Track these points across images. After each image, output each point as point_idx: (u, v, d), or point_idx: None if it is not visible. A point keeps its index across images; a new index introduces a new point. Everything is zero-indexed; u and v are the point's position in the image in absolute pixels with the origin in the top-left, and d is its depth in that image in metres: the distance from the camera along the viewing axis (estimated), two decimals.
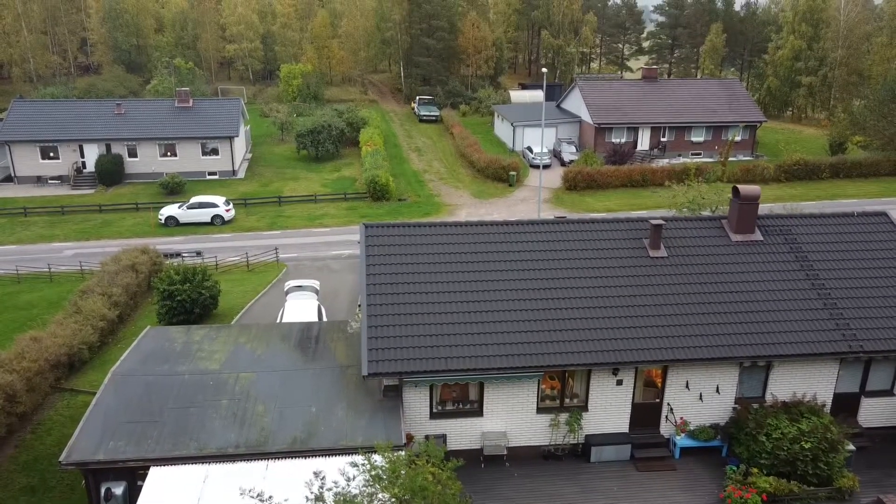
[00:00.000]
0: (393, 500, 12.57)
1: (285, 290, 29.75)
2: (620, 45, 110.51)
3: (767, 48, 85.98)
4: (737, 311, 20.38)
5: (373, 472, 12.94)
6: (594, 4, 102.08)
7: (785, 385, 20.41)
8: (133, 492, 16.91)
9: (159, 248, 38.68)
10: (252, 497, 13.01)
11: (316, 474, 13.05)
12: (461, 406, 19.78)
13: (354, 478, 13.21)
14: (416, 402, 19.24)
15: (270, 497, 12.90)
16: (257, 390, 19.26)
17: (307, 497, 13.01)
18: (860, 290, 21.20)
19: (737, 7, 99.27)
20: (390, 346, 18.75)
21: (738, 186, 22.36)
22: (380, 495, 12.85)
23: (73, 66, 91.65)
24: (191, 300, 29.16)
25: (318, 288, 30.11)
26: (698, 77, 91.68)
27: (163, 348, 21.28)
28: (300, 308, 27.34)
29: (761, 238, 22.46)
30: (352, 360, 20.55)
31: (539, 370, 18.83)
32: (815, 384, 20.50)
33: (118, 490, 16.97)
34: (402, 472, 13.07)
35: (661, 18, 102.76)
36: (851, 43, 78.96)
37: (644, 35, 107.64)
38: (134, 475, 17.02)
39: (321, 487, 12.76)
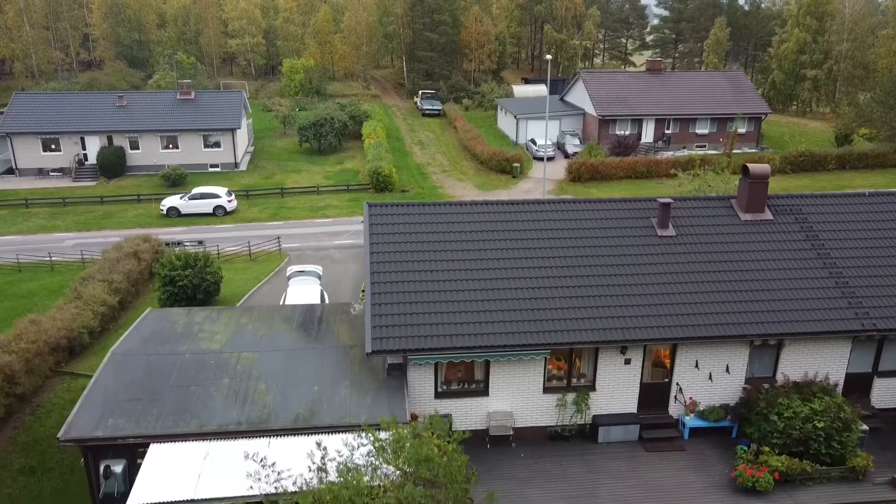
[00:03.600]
0: (397, 471, 12.23)
1: (287, 274, 29.47)
2: (623, 41, 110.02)
3: (771, 42, 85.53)
4: (747, 290, 20.01)
5: (377, 444, 12.60)
6: None
7: (796, 365, 20.03)
8: (133, 470, 16.59)
9: (161, 238, 38.42)
10: (255, 461, 12.69)
11: (318, 444, 12.73)
12: (466, 386, 19.44)
13: (358, 447, 12.88)
14: (421, 382, 18.90)
15: (273, 463, 12.59)
16: (259, 369, 18.94)
17: (309, 467, 12.68)
18: (872, 269, 20.82)
19: (741, 1, 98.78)
20: (394, 324, 18.42)
21: (748, 165, 22.00)
22: (384, 468, 12.51)
23: (75, 62, 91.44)
24: (193, 286, 28.85)
25: (321, 273, 29.79)
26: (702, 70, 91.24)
27: (164, 329, 20.98)
28: (303, 292, 27.03)
29: (771, 217, 22.09)
30: (355, 341, 20.23)
31: (546, 348, 18.47)
32: (827, 364, 20.12)
33: (117, 468, 16.67)
34: (407, 444, 12.74)
35: (665, 13, 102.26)
36: (857, 36, 78.46)
37: (647, 30, 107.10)
38: (133, 453, 16.71)
39: (324, 458, 12.44)
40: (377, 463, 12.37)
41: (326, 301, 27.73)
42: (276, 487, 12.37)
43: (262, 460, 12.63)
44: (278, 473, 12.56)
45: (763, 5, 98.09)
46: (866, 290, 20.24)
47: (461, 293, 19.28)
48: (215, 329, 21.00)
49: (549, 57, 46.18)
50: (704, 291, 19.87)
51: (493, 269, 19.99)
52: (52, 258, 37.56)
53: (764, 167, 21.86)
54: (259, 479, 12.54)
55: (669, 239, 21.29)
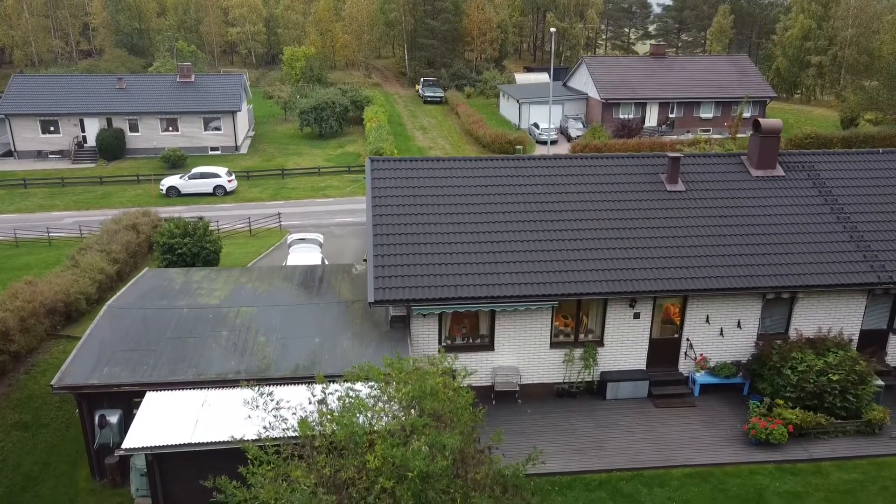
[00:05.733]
0: (402, 403, 11.74)
1: (288, 242, 28.96)
2: (626, 30, 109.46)
3: (775, 30, 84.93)
4: (759, 244, 19.50)
5: (379, 376, 12.11)
6: None
7: (810, 320, 19.53)
8: (128, 420, 16.07)
9: (161, 215, 37.93)
10: (252, 389, 12.22)
11: (318, 380, 12.26)
12: (471, 340, 18.95)
13: (358, 382, 12.37)
14: (425, 334, 18.42)
15: (272, 391, 12.11)
16: (259, 323, 18.46)
17: (309, 399, 12.19)
18: (888, 224, 20.30)
19: None
20: (397, 275, 17.94)
21: (759, 120, 21.49)
22: (386, 402, 12.00)
23: (74, 51, 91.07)
24: (192, 254, 28.31)
25: (322, 242, 29.28)
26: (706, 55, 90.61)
27: (161, 286, 20.50)
28: (304, 257, 26.53)
29: (783, 173, 21.58)
30: (357, 296, 19.73)
31: (552, 299, 17.97)
32: (841, 320, 19.62)
33: (113, 418, 16.20)
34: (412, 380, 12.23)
35: (667, 2, 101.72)
36: (861, 22, 77.83)
37: (650, 18, 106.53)
38: (130, 403, 16.21)
39: (324, 390, 11.95)
40: (378, 393, 11.86)
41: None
42: (274, 415, 11.86)
43: (259, 390, 12.15)
44: (277, 402, 12.06)
45: None
46: (882, 245, 19.73)
47: (466, 244, 18.80)
48: (214, 287, 20.51)
49: (553, 29, 45.55)
50: (715, 245, 19.37)
51: (498, 222, 19.50)
52: (50, 234, 37.09)
53: (776, 122, 21.36)
54: (257, 407, 12.03)
55: (679, 194, 20.79)
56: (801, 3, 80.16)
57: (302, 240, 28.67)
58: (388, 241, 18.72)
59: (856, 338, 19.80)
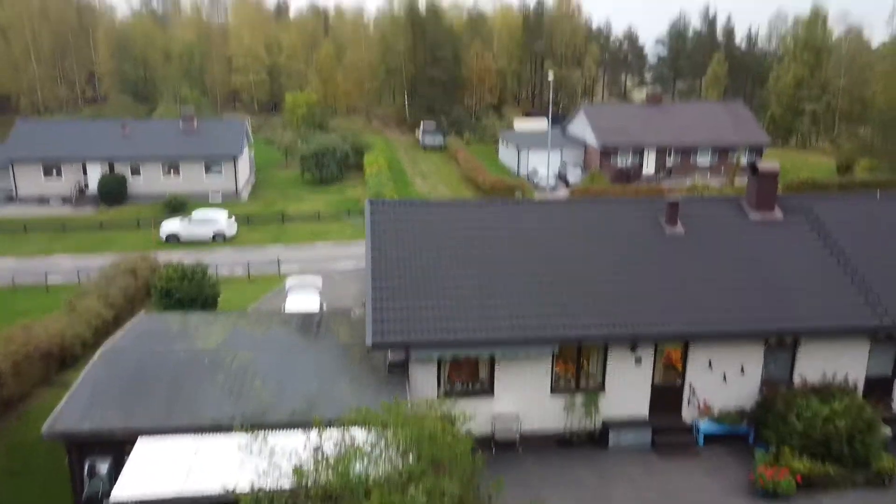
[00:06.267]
0: (400, 448, 11.45)
1: (286, 286, 28.82)
2: (623, 77, 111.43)
3: (769, 78, 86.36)
4: (760, 287, 19.39)
5: (377, 420, 11.85)
6: (596, 37, 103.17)
7: (813, 366, 19.27)
8: (119, 469, 15.66)
9: (160, 259, 37.84)
10: (247, 433, 11.92)
11: (318, 425, 11.99)
12: (471, 386, 18.65)
13: (356, 427, 12.09)
14: (423, 381, 18.12)
15: (267, 438, 11.82)
16: (255, 367, 18.19)
17: (305, 445, 11.89)
18: (889, 268, 20.21)
19: (737, 40, 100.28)
20: (396, 318, 17.77)
21: (757, 163, 21.62)
22: (384, 448, 11.71)
23: (80, 98, 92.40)
24: (190, 299, 28.17)
25: (320, 285, 29.16)
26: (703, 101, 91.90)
27: (157, 329, 20.29)
28: (302, 301, 26.37)
29: (781, 217, 21.60)
30: (356, 340, 19.49)
31: (553, 342, 17.76)
32: (846, 366, 19.35)
33: (103, 467, 15.81)
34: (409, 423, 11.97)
35: (663, 51, 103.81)
36: (853, 71, 79.31)
37: (646, 67, 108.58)
38: (121, 451, 15.79)
39: (321, 436, 11.67)
40: (376, 439, 11.57)
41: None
42: (269, 462, 11.55)
43: (254, 435, 11.86)
44: (272, 448, 11.76)
45: (759, 43, 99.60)
46: (884, 289, 19.60)
47: (466, 288, 18.68)
48: (211, 330, 20.29)
49: (551, 77, 46.27)
50: (716, 289, 19.26)
51: (498, 265, 19.42)
52: (48, 279, 36.95)
53: (773, 164, 21.48)
54: (252, 453, 11.72)
55: (678, 237, 20.77)
56: (793, 52, 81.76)
57: (301, 284, 28.57)
58: (386, 284, 18.60)
59: (861, 384, 19.51)
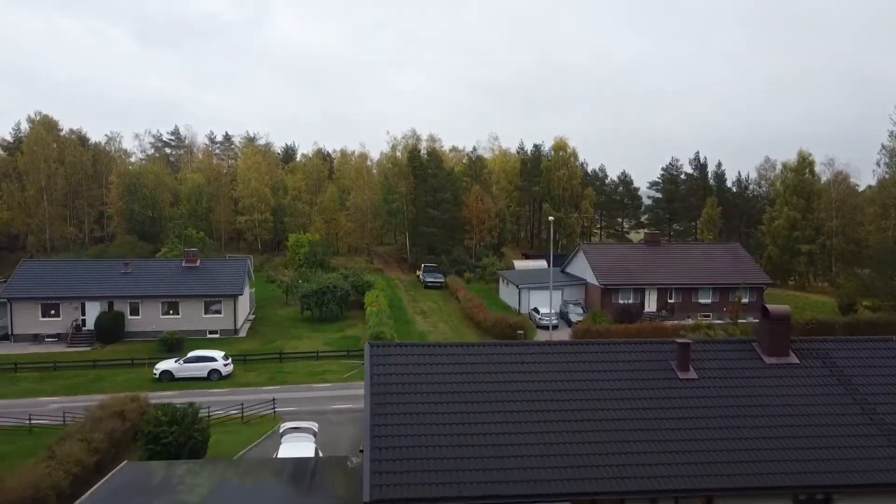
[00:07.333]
0: None
1: (280, 431, 27.43)
2: (619, 219, 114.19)
3: (763, 220, 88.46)
4: (784, 437, 18.27)
5: None
6: (592, 182, 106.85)
7: None
8: None
9: (151, 401, 36.49)
10: None
11: None
12: None
13: None
14: None
15: None
16: None
17: None
18: None
19: (728, 183, 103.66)
20: (396, 470, 16.52)
21: (768, 306, 21.18)
22: None
23: (87, 237, 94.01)
24: (178, 444, 26.72)
25: (316, 431, 27.78)
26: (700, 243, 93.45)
27: (138, 481, 18.92)
28: (296, 448, 24.90)
29: (797, 361, 20.83)
30: (353, 492, 18.10)
31: (564, 498, 16.38)
32: None
33: None
34: None
35: (657, 195, 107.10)
36: (844, 213, 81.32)
37: (642, 209, 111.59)
38: None
39: None
40: None
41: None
42: None
43: None
44: None
45: (750, 187, 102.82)
46: None
47: (471, 436, 17.59)
48: (197, 482, 18.93)
49: (551, 218, 47.12)
50: (737, 438, 18.13)
51: (504, 412, 18.43)
52: (32, 421, 35.44)
53: (785, 308, 21.04)
54: None
55: (691, 382, 19.90)
56: (784, 196, 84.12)
57: (295, 429, 27.24)
58: (386, 433, 17.52)
59: None
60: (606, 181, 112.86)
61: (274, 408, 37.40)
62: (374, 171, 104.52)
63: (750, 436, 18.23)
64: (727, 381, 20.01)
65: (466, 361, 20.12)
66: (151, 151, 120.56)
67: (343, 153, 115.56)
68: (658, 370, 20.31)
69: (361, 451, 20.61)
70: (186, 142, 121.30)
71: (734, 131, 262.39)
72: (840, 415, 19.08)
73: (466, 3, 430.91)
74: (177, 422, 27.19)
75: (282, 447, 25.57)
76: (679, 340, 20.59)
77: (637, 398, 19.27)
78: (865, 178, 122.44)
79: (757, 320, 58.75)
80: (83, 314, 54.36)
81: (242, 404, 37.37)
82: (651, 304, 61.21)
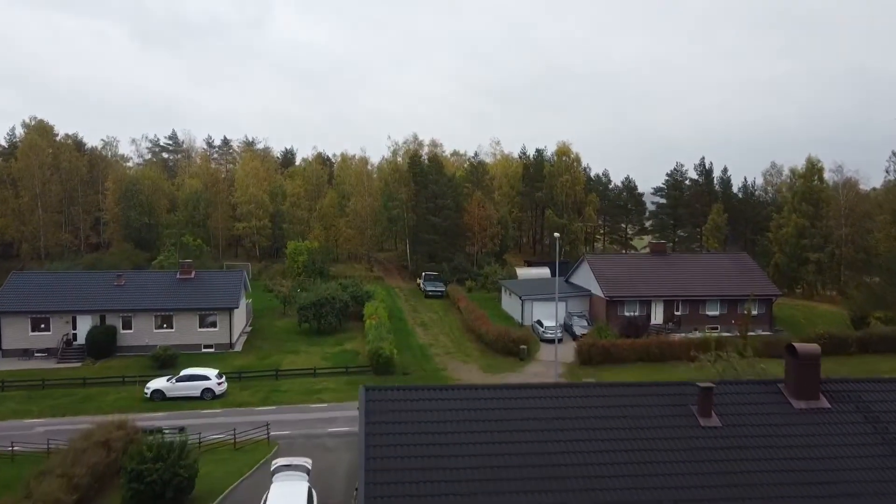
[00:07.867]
0: None
1: (272, 469, 25.85)
2: (624, 226, 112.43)
3: (770, 227, 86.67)
4: (823, 496, 16.63)
5: None
6: (595, 187, 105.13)
7: None
8: None
9: (139, 424, 34.93)
10: None
11: None
12: None
13: None
14: None
15: None
16: None
17: None
18: None
19: (734, 189, 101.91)
20: None
21: (795, 345, 19.59)
22: None
23: (83, 244, 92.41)
24: (162, 481, 25.20)
25: (310, 468, 26.21)
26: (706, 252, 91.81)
27: None
28: (287, 492, 23.35)
29: (828, 405, 19.23)
30: None
31: None
32: None
33: None
34: None
35: (662, 200, 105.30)
36: (853, 221, 79.61)
37: (646, 215, 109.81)
38: None
39: None
40: None
41: (315, 501, 23.95)
42: None
43: None
44: None
45: (756, 193, 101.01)
46: None
47: (474, 482, 16.02)
48: None
49: (557, 235, 45.64)
50: (771, 497, 16.52)
51: (510, 455, 16.95)
52: (14, 448, 33.88)
53: (814, 347, 19.45)
54: None
55: (715, 430, 18.30)
56: (792, 203, 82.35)
57: (287, 466, 25.66)
58: (384, 493, 15.94)
59: None
60: (610, 186, 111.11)
61: (268, 434, 35.84)
62: (375, 175, 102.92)
63: (784, 494, 16.63)
64: (754, 430, 18.41)
65: (470, 407, 18.57)
66: (149, 156, 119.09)
67: (344, 157, 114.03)
68: (678, 416, 18.73)
69: (356, 489, 19.12)
70: (184, 146, 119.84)
71: (738, 133, 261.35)
72: (878, 469, 17.49)
73: (467, 4, 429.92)
74: (162, 458, 25.68)
75: (272, 490, 24.02)
76: (701, 384, 18.97)
77: (655, 449, 17.70)
78: (872, 180, 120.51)
79: (766, 332, 57.65)
80: (74, 328, 52.81)
81: (234, 429, 35.81)
82: (657, 317, 59.63)
